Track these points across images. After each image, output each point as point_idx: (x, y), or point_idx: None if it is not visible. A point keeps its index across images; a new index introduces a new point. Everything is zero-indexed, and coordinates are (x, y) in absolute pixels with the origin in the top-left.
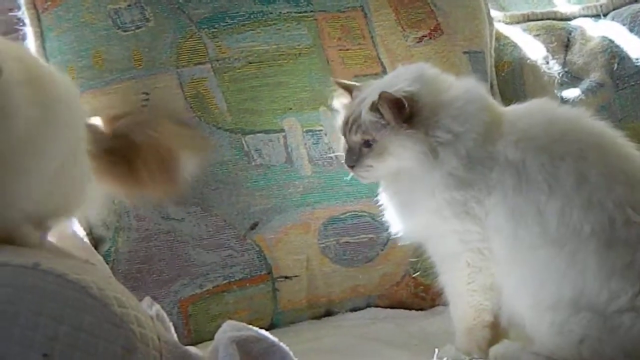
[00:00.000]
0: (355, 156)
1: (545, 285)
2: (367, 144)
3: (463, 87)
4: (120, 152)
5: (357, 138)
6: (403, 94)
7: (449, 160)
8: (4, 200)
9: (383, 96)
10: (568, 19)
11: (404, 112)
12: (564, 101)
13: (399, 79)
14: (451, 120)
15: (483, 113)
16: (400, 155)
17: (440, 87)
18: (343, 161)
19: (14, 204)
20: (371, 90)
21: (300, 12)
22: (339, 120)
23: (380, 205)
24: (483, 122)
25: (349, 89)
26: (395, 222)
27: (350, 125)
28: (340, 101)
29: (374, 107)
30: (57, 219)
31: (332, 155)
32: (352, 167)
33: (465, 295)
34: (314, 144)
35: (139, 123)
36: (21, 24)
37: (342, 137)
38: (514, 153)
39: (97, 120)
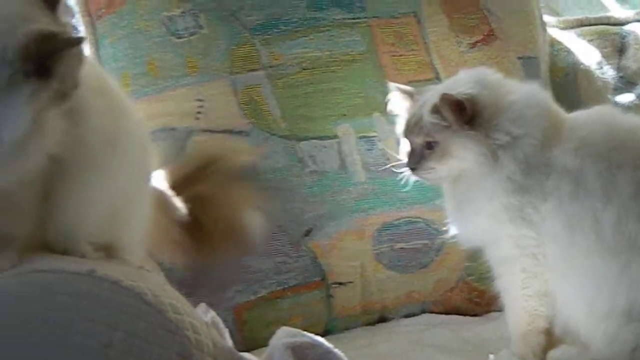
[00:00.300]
0: (417, 158)
1: (600, 293)
2: (429, 145)
3: (525, 91)
4: (189, 226)
5: (419, 140)
6: (464, 96)
7: (508, 164)
8: (67, 211)
9: (444, 98)
10: (622, 23)
11: (465, 113)
12: (618, 106)
13: (460, 82)
14: (510, 123)
15: (542, 118)
16: (461, 156)
17: (502, 90)
18: (405, 164)
19: (76, 217)
20: (432, 93)
21: (353, 18)
22: (400, 124)
23: (434, 211)
24: (542, 127)
25: (409, 94)
26: (454, 225)
27: (412, 127)
28: (400, 105)
29: (436, 109)
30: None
31: (385, 161)
32: (414, 169)
33: (520, 300)
34: (368, 150)
35: (204, 197)
36: (75, 30)
37: (404, 140)
38: (572, 160)
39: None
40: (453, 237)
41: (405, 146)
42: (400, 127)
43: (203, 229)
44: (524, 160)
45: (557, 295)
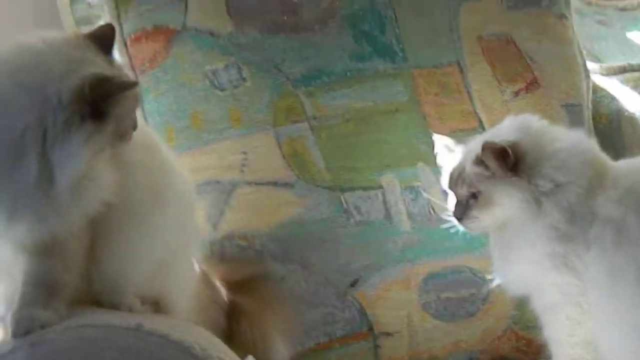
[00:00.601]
0: (463, 209)
1: None
2: (474, 195)
3: (570, 139)
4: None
5: (463, 191)
6: (506, 143)
7: (551, 211)
8: (114, 263)
9: (486, 147)
10: None
11: (509, 160)
12: None
13: (503, 130)
14: (554, 171)
15: (587, 166)
16: (504, 204)
17: (546, 137)
18: (451, 215)
19: (122, 270)
20: (475, 144)
21: (396, 69)
22: (445, 176)
23: (479, 260)
24: (587, 175)
25: (450, 146)
26: (498, 272)
27: (456, 179)
28: (444, 158)
29: (478, 160)
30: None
31: (430, 210)
32: (459, 219)
33: (566, 348)
34: (413, 199)
35: (240, 305)
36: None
37: (450, 192)
38: (615, 209)
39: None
40: (499, 285)
41: (451, 197)
42: (444, 179)
43: (234, 328)
44: (568, 209)
45: (600, 344)
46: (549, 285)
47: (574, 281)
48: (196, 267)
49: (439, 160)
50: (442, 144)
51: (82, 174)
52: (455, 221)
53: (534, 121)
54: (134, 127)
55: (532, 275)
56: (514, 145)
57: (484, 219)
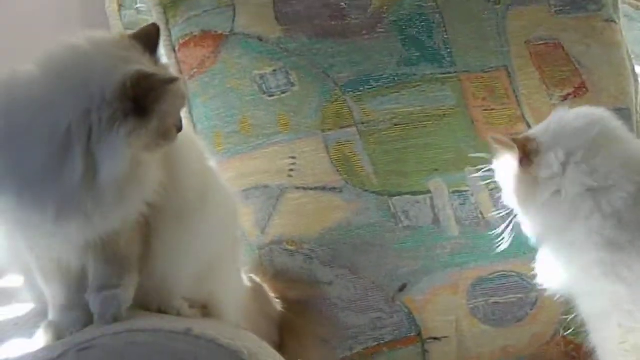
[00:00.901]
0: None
1: None
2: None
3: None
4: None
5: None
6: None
7: (591, 216)
8: (161, 266)
9: (513, 139)
10: None
11: (529, 154)
12: None
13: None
14: (589, 175)
15: (634, 172)
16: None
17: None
18: None
19: (170, 273)
20: None
21: (444, 73)
22: None
23: (527, 265)
24: (634, 181)
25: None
26: (546, 274)
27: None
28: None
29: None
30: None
31: (479, 215)
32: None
33: (617, 354)
34: (461, 204)
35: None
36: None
37: None
38: None
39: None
40: (547, 289)
41: None
42: None
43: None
44: (613, 215)
45: None
46: (598, 292)
47: (624, 290)
48: (246, 280)
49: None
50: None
51: (125, 172)
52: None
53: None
54: (179, 127)
55: (580, 281)
56: (535, 139)
57: (519, 216)
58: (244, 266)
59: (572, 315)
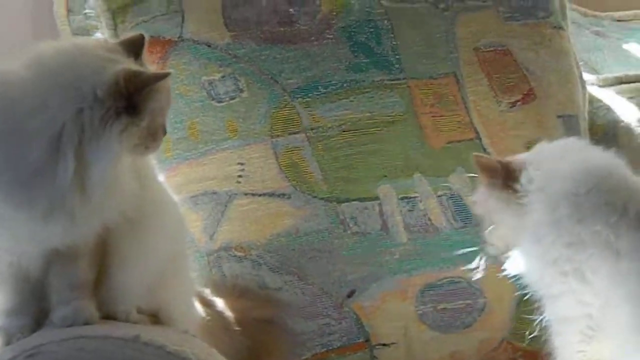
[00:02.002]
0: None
1: None
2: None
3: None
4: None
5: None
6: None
7: (538, 210)
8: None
9: (475, 159)
10: None
11: (497, 174)
12: None
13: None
14: (536, 172)
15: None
16: (498, 219)
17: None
18: None
19: (122, 281)
20: None
21: (392, 80)
22: None
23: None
24: (582, 171)
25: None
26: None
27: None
28: None
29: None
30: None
31: (427, 221)
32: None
33: None
34: (409, 210)
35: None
36: None
37: None
38: None
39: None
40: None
41: None
42: None
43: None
44: (571, 207)
45: None
46: (564, 292)
47: (590, 292)
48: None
49: None
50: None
51: (114, 172)
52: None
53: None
54: (164, 130)
55: (549, 279)
56: (505, 161)
57: (492, 240)
58: (193, 272)
59: (520, 322)
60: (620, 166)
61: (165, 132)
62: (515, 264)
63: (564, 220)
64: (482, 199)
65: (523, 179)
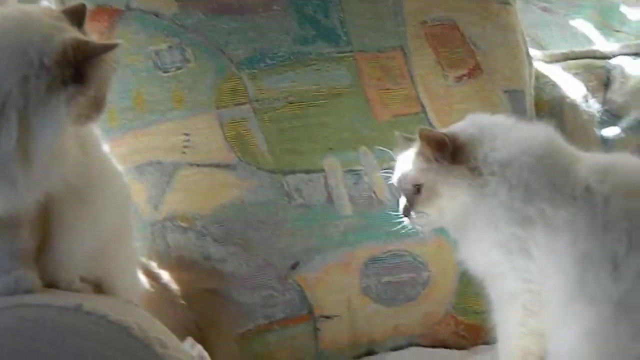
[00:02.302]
0: (408, 205)
1: (606, 349)
2: (418, 190)
3: (508, 123)
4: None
5: (407, 186)
6: (443, 132)
7: (500, 190)
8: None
9: (424, 135)
10: (607, 57)
11: (446, 148)
12: (604, 140)
13: (450, 127)
14: (492, 151)
15: (531, 144)
16: (447, 193)
17: (486, 128)
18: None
19: (66, 249)
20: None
21: (339, 52)
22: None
23: (420, 245)
24: (533, 153)
25: (409, 141)
26: (462, 252)
27: (403, 176)
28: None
29: (419, 150)
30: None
31: (372, 194)
32: (406, 216)
33: (515, 337)
34: (355, 183)
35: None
36: None
37: (401, 192)
38: (592, 194)
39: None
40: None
41: (402, 198)
42: (394, 177)
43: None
44: (521, 186)
45: (552, 340)
46: (510, 270)
47: (534, 268)
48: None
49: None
50: (401, 139)
51: (59, 143)
52: (405, 220)
53: (485, 116)
54: (106, 98)
55: (495, 258)
56: (452, 134)
57: (431, 212)
58: (138, 242)
59: (463, 296)
60: (560, 142)
61: (107, 99)
62: (459, 249)
63: (517, 201)
64: (421, 172)
65: (478, 158)
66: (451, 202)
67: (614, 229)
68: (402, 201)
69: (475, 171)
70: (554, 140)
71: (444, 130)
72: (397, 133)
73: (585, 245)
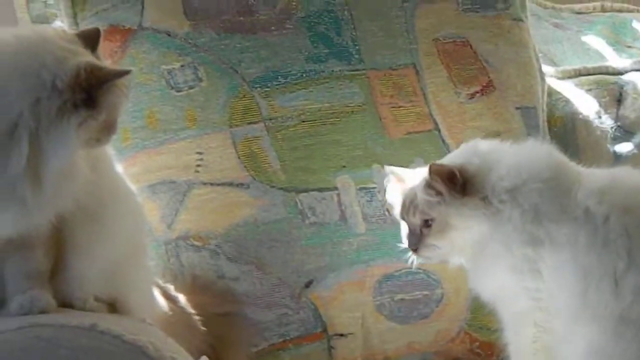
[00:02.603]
0: (417, 238)
1: None
2: (427, 224)
3: (514, 148)
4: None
5: (415, 220)
6: (453, 165)
7: (514, 214)
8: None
9: (434, 170)
10: (620, 73)
11: (457, 181)
12: (616, 156)
13: (451, 157)
14: (500, 180)
15: (539, 166)
16: (460, 225)
17: (492, 155)
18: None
19: (79, 268)
20: (425, 170)
21: (352, 70)
22: (397, 207)
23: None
24: (542, 176)
25: (400, 177)
26: (473, 281)
27: (408, 208)
28: (395, 189)
29: (428, 185)
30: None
31: (385, 212)
32: (415, 250)
33: (528, 353)
34: (368, 201)
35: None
36: None
37: (403, 223)
38: (593, 210)
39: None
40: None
41: (404, 229)
42: (396, 210)
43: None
44: (532, 209)
45: (560, 350)
46: (521, 290)
47: (543, 287)
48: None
49: (387, 195)
50: (390, 173)
51: (69, 164)
52: (412, 254)
53: (482, 143)
54: (116, 121)
55: (507, 282)
56: (461, 167)
57: (442, 245)
58: (152, 261)
59: (477, 313)
60: (563, 161)
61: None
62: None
63: (528, 224)
64: (432, 206)
65: (487, 187)
66: (464, 233)
67: (614, 245)
68: (407, 235)
69: (486, 200)
70: (558, 161)
71: (451, 164)
72: (387, 169)
73: (586, 260)
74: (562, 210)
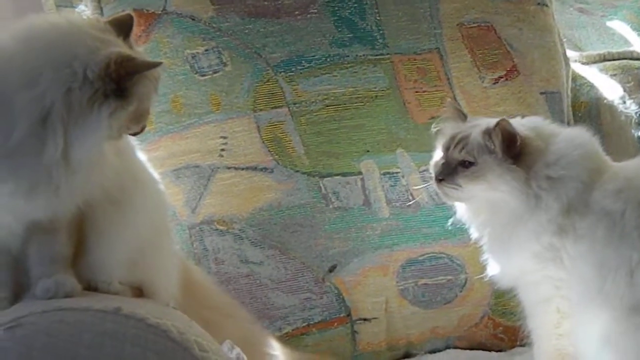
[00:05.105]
0: (449, 170)
1: (625, 356)
2: (465, 164)
3: (568, 136)
4: None
5: (458, 155)
6: (519, 132)
7: (552, 205)
8: (96, 245)
9: (502, 124)
10: None
11: (514, 148)
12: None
13: (516, 125)
14: (550, 167)
15: (586, 160)
16: (495, 185)
17: (551, 139)
18: (434, 174)
19: (104, 253)
20: (489, 120)
21: (376, 55)
22: (443, 136)
23: (457, 247)
24: (587, 168)
25: (463, 115)
26: (493, 264)
27: (457, 142)
28: (450, 121)
29: (488, 132)
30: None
31: (409, 196)
32: (440, 180)
33: (552, 338)
34: (392, 186)
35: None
36: None
37: (439, 152)
38: (612, 204)
39: None
40: (492, 275)
41: (437, 157)
42: (441, 139)
43: None
44: (566, 202)
45: (578, 342)
46: (543, 278)
47: (565, 275)
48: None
49: (441, 123)
50: (452, 107)
51: (100, 151)
52: (433, 183)
53: (547, 126)
54: (148, 112)
55: (530, 269)
56: (525, 139)
57: (467, 189)
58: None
59: (501, 298)
60: (600, 158)
61: (149, 112)
62: (492, 263)
63: (561, 216)
64: (481, 153)
65: (534, 169)
66: (492, 193)
67: (630, 237)
68: (441, 164)
69: (528, 181)
70: (599, 160)
71: (522, 131)
72: (449, 100)
73: (603, 253)
74: (585, 204)
